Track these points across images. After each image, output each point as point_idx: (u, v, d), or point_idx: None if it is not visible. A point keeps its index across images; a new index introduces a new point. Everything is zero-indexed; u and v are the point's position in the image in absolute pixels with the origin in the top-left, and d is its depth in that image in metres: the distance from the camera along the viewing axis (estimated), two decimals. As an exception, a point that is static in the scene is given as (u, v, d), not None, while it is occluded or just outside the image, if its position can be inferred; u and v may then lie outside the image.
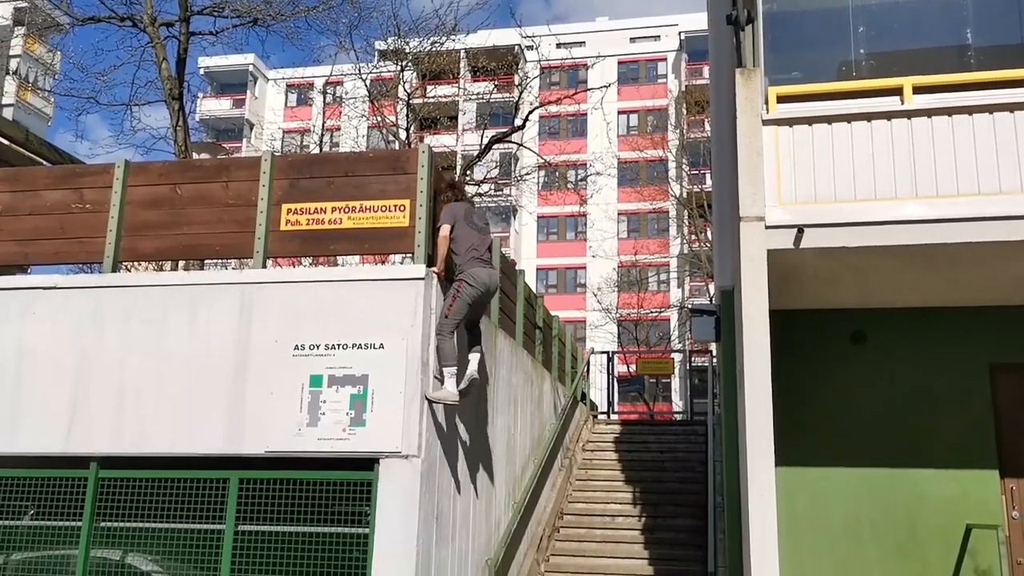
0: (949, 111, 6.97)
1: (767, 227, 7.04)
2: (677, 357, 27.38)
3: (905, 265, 7.38)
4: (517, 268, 11.96)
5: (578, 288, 44.02)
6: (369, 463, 6.90)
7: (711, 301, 22.42)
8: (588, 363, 17.13)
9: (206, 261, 12.64)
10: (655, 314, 34.03)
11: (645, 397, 29.53)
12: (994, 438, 8.23)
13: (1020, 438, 8.26)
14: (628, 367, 27.46)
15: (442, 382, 7.14)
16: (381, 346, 7.03)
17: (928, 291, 8.08)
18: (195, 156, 13.29)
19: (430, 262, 7.38)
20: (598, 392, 19.49)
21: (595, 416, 16.79)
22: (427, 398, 7.01)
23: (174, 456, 7.19)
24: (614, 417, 18.08)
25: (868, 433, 8.38)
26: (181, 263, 11.35)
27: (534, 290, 14.11)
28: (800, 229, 6.93)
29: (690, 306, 13.20)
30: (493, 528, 9.07)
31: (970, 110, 6.92)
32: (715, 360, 13.75)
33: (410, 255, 7.46)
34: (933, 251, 6.95)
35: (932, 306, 8.43)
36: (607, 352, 19.39)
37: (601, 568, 10.60)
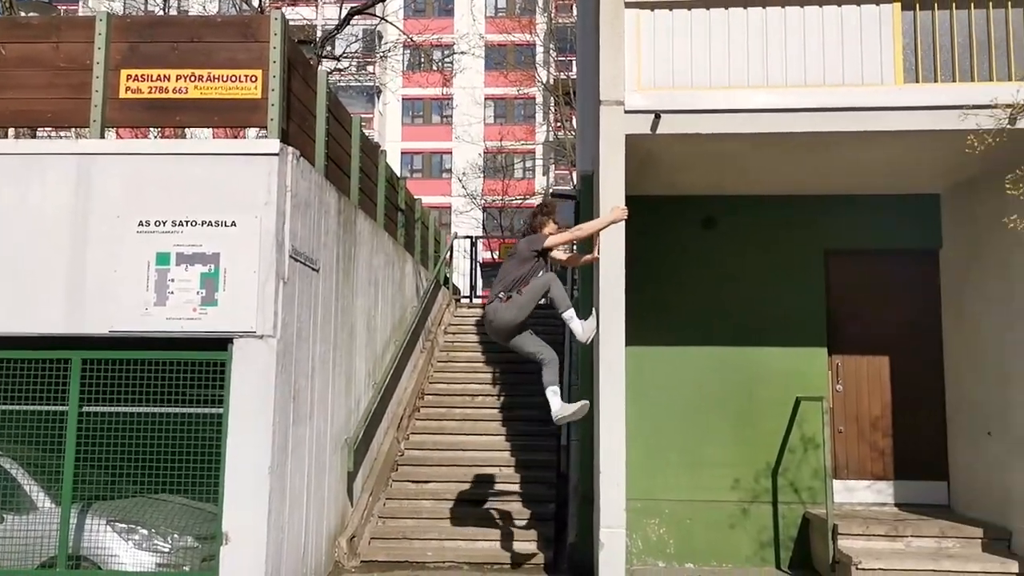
0: (801, 2, 7.13)
1: (626, 112, 7.13)
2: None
3: (755, 153, 7.65)
4: (380, 149, 11.68)
5: (443, 173, 43.62)
6: (223, 343, 6.76)
7: (573, 187, 22.69)
8: (451, 248, 17.17)
9: (39, 129, 11.75)
10: (520, 201, 34.25)
11: (508, 282, 29.92)
12: (825, 319, 8.83)
13: (847, 319, 8.91)
14: (492, 253, 27.73)
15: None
16: (233, 224, 6.79)
17: (774, 179, 8.44)
18: (22, 15, 12.08)
19: (285, 137, 7.11)
20: (461, 277, 19.67)
21: (458, 300, 16.97)
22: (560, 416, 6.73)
23: (8, 336, 6.81)
24: (477, 301, 18.30)
25: (715, 313, 8.83)
26: (11, 130, 10.48)
27: (398, 173, 13.90)
28: (657, 115, 7.05)
29: (550, 192, 13.31)
30: (353, 407, 9.14)
31: (821, 1, 7.11)
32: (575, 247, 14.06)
33: (264, 129, 7.15)
34: (781, 140, 7.23)
35: (777, 194, 8.83)
36: (471, 237, 19.49)
37: (460, 444, 10.92)
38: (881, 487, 8.73)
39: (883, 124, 6.92)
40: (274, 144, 6.93)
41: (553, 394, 6.70)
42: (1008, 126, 6.57)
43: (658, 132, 7.10)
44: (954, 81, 6.95)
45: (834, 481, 8.46)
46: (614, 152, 7.10)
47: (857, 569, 7.15)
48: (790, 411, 8.65)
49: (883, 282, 8.95)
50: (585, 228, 6.93)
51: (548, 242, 6.82)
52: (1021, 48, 6.92)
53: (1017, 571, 7.05)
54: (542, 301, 6.81)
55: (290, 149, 7.08)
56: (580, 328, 6.74)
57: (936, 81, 6.98)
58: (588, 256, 7.27)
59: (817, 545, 8.13)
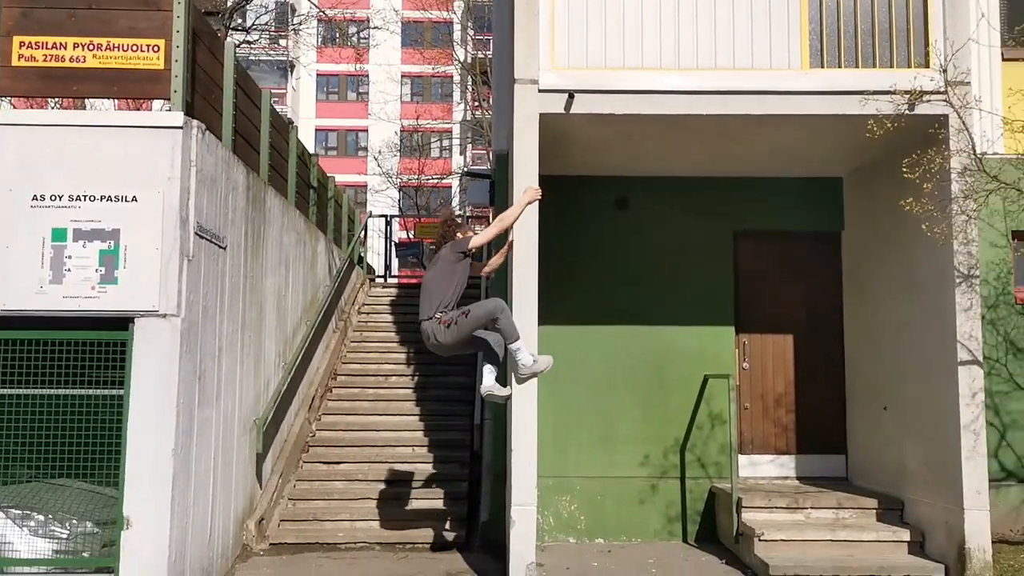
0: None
1: (540, 90, 7.12)
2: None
3: (667, 135, 7.75)
4: (291, 125, 11.42)
5: (359, 151, 43.03)
6: (123, 322, 6.52)
7: (488, 167, 22.64)
8: (365, 227, 16.95)
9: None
10: (436, 180, 34.05)
11: (424, 262, 29.78)
12: (733, 299, 9.04)
13: (754, 299, 9.15)
14: (408, 232, 27.50)
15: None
16: (134, 199, 6.53)
17: (685, 161, 8.57)
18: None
19: (189, 110, 6.87)
20: (376, 256, 19.42)
21: (372, 280, 16.79)
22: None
23: None
24: (391, 281, 18.16)
25: (627, 293, 8.94)
26: None
27: (312, 151, 13.63)
28: (571, 94, 7.06)
29: (465, 171, 13.25)
30: (262, 388, 8.96)
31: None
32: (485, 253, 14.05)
33: (167, 101, 6.90)
34: (691, 122, 7.34)
35: (689, 175, 8.97)
36: (385, 216, 19.28)
37: (373, 424, 10.83)
38: (784, 461, 9.02)
39: (789, 108, 7.08)
40: (178, 117, 6.69)
41: (489, 372, 6.69)
42: (906, 112, 6.81)
43: (572, 112, 7.12)
44: (857, 67, 7.15)
45: (739, 456, 8.72)
46: (528, 131, 7.10)
47: (759, 540, 7.38)
48: (698, 389, 8.85)
49: (789, 263, 9.21)
50: (507, 217, 6.77)
51: (474, 242, 6.70)
52: (919, 36, 7.15)
53: (908, 539, 7.39)
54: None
55: (195, 122, 6.85)
56: (530, 361, 6.39)
57: (840, 66, 7.16)
58: (502, 251, 7.23)
59: (722, 518, 8.35)
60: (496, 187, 9.23)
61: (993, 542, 7.04)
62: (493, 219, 9.05)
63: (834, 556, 7.24)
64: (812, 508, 7.83)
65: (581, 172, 8.91)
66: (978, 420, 6.86)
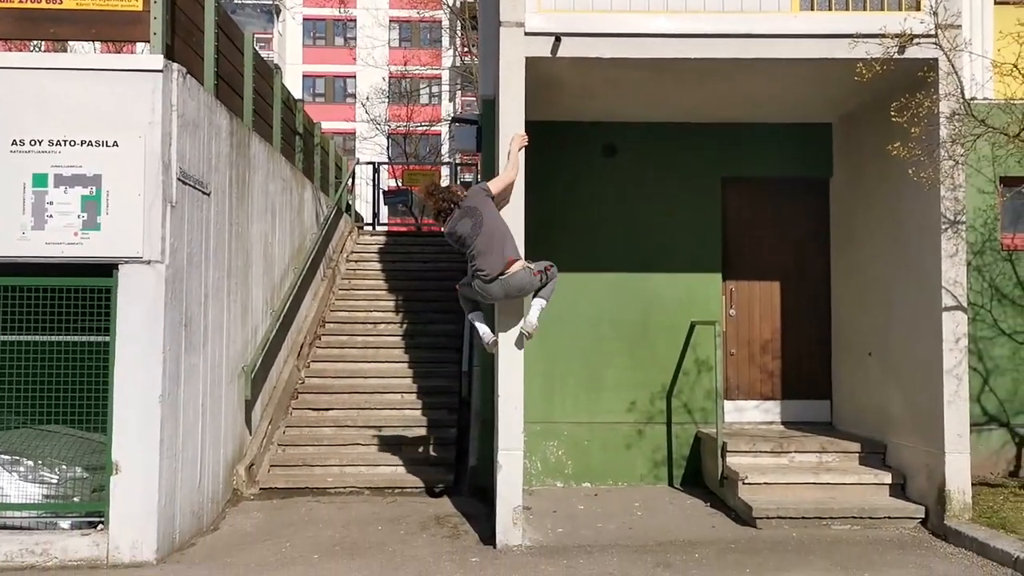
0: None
1: (526, 33, 7.00)
2: (445, 171, 27.49)
3: (654, 80, 7.66)
4: (276, 69, 11.23)
5: (347, 98, 42.49)
6: (107, 269, 6.49)
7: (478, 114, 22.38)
8: (353, 174, 16.81)
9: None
10: (426, 127, 33.70)
11: (413, 210, 29.62)
12: (720, 245, 9.04)
13: (741, 246, 9.15)
14: (396, 180, 27.31)
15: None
16: (115, 144, 6.45)
17: (674, 107, 8.48)
18: None
19: (170, 53, 6.76)
20: (364, 204, 19.32)
21: (360, 228, 16.71)
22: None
23: None
24: (380, 229, 18.07)
25: (614, 240, 8.93)
26: None
27: (299, 97, 13.44)
28: (557, 37, 6.95)
29: (452, 117, 13.10)
30: (250, 336, 8.96)
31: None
32: (479, 175, 13.95)
33: (147, 44, 6.77)
34: (679, 66, 7.24)
35: (677, 121, 8.90)
36: (373, 163, 19.10)
37: (362, 372, 10.87)
38: (769, 407, 9.11)
39: (778, 51, 6.99)
40: (158, 60, 6.58)
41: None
42: (896, 55, 6.74)
43: (558, 55, 7.01)
44: (847, 9, 7.05)
45: (725, 402, 8.80)
46: (514, 75, 6.99)
47: (744, 484, 7.48)
48: (685, 335, 8.89)
49: (777, 210, 9.20)
50: (512, 168, 6.81)
51: (495, 187, 6.74)
52: (911, -21, 7.05)
53: (890, 481, 7.50)
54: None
55: (175, 66, 6.73)
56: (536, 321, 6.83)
57: (830, 9, 7.06)
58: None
59: (707, 462, 8.46)
60: (483, 133, 9.14)
61: (973, 484, 7.16)
62: (483, 167, 9.01)
63: (817, 499, 7.36)
64: (796, 452, 7.93)
65: (568, 118, 8.83)
66: (961, 365, 6.92)
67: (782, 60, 7.05)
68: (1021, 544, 6.10)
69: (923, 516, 7.11)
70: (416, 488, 8.73)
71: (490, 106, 8.97)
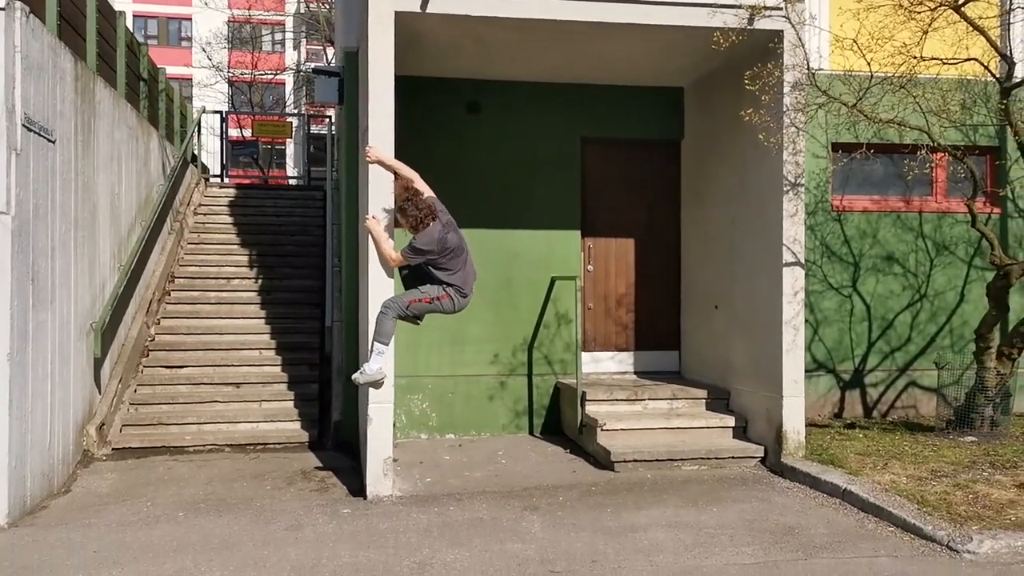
0: None
1: (397, -13, 6.94)
2: (293, 122, 26.71)
3: (521, 39, 7.77)
4: (118, 12, 10.56)
5: (183, 42, 40.33)
6: (-55, 220, 6.04)
7: (329, 64, 21.81)
8: (199, 123, 16.11)
9: None
10: (271, 76, 32.51)
11: (260, 162, 28.70)
12: (579, 204, 9.35)
13: (599, 204, 9.50)
14: (241, 131, 26.33)
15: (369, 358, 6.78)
16: (-48, 85, 5.98)
17: (538, 67, 8.65)
18: None
19: (12, -12, 6.29)
20: (210, 155, 18.57)
21: (207, 180, 16.08)
22: (355, 381, 6.82)
23: None
24: (228, 181, 17.45)
25: (477, 198, 9.04)
26: None
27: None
28: (428, -8, 6.94)
29: (312, 68, 12.74)
30: (98, 291, 8.55)
31: None
32: (334, 126, 13.69)
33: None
34: (546, 27, 7.37)
35: (540, 81, 9.09)
36: (220, 112, 18.35)
37: (217, 328, 10.59)
38: (623, 358, 9.57)
39: (643, 17, 7.22)
40: (-1, -5, 6.11)
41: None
42: (747, 26, 7.15)
43: (428, 11, 7.00)
44: (705, -21, 7.39)
45: (583, 354, 9.17)
46: (383, 29, 6.93)
47: (602, 430, 7.88)
48: (545, 290, 9.18)
49: (632, 170, 9.59)
50: (404, 169, 6.88)
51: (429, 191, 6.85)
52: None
53: (733, 424, 8.10)
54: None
55: (18, 4, 6.26)
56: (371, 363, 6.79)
57: (690, -22, 7.38)
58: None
59: (567, 411, 8.83)
60: (346, 85, 9.00)
61: (804, 426, 7.83)
62: (345, 120, 8.90)
63: (669, 442, 7.86)
64: (649, 400, 8.41)
65: (435, 74, 8.84)
66: (798, 316, 7.53)
67: (647, 26, 7.29)
68: (848, 477, 6.77)
69: (763, 455, 7.74)
70: (279, 444, 8.67)
71: (353, 58, 8.85)
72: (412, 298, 6.76)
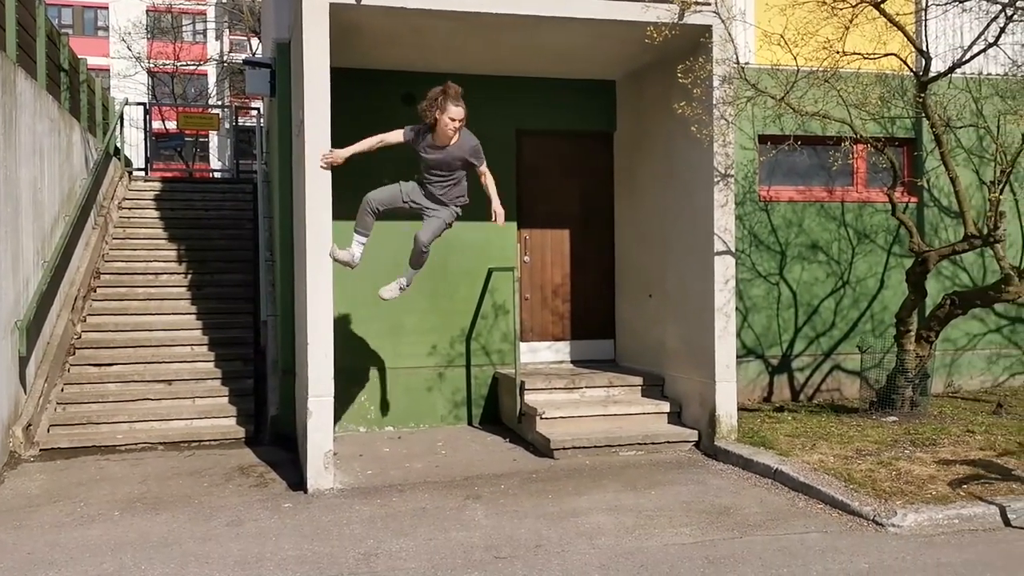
0: None
1: (331, -22, 6.90)
2: (219, 114, 26.18)
3: (456, 31, 7.79)
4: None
5: (99, 31, 39.10)
6: None
7: (253, 55, 21.44)
8: (122, 116, 15.67)
9: None
10: (194, 67, 31.79)
11: (184, 155, 28.05)
12: (515, 195, 9.42)
13: (535, 195, 9.59)
14: (164, 123, 25.71)
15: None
16: None
17: (473, 59, 8.67)
18: None
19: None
20: (132, 148, 18.11)
21: (131, 173, 15.68)
22: (331, 255, 6.97)
23: None
24: (152, 175, 17.05)
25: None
26: None
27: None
28: (364, -16, 6.91)
29: (243, 59, 12.52)
30: (22, 288, 8.30)
31: None
32: (263, 119, 13.50)
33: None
34: (482, 20, 7.41)
35: (475, 74, 9.07)
36: (143, 104, 17.90)
37: (146, 325, 10.37)
38: (560, 347, 9.70)
39: (579, 11, 7.30)
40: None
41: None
42: (679, 21, 7.31)
43: (364, 3, 6.98)
44: (637, -26, 7.52)
45: (521, 343, 9.26)
46: (317, 21, 6.88)
47: (541, 419, 7.99)
48: (483, 281, 9.24)
49: (566, 161, 9.71)
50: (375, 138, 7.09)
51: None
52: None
53: (668, 410, 8.29)
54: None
55: (-65, -12, 6.06)
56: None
57: (623, -27, 7.50)
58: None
59: (505, 401, 8.92)
60: (278, 77, 8.90)
61: (736, 410, 8.06)
62: (277, 113, 8.81)
63: (606, 428, 8.01)
64: (587, 387, 8.55)
65: (367, 65, 8.80)
66: (729, 304, 7.74)
67: (583, 20, 7.37)
68: (779, 458, 7.00)
69: (697, 439, 7.95)
70: (215, 440, 8.56)
71: (285, 49, 8.76)
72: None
